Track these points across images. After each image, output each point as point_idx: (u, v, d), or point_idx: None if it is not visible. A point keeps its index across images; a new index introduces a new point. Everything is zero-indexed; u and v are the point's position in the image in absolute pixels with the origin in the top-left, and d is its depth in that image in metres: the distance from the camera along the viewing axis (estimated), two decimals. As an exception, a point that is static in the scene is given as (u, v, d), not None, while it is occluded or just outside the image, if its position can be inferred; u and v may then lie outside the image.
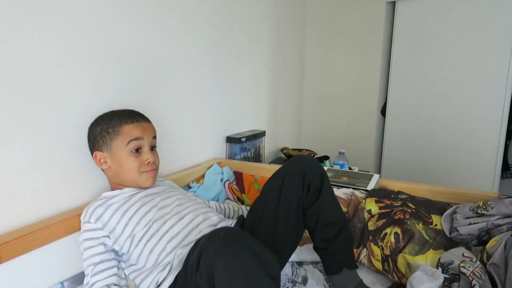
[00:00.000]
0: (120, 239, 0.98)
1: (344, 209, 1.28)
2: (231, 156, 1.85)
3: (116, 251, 1.01)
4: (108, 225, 0.99)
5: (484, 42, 2.15)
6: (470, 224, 1.07)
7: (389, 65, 2.57)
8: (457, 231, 1.08)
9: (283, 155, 2.39)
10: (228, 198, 1.50)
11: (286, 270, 1.13)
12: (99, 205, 1.01)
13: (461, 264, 0.95)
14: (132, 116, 1.07)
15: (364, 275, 1.10)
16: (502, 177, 2.34)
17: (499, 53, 2.10)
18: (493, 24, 2.11)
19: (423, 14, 2.36)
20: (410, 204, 1.22)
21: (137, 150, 1.06)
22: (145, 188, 1.10)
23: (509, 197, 1.12)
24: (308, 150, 2.40)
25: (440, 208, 1.21)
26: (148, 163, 1.07)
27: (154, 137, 1.12)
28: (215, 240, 0.74)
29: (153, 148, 1.11)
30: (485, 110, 2.17)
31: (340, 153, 1.93)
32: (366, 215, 1.24)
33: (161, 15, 1.37)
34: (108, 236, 0.99)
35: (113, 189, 1.10)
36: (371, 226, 1.19)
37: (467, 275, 0.91)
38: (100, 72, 1.15)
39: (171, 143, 1.50)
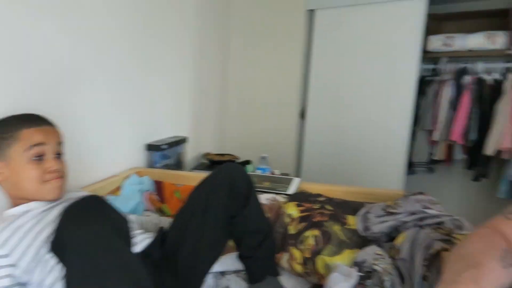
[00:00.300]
0: (29, 267, 0.86)
1: (268, 215, 1.29)
2: (151, 165, 1.77)
3: (24, 284, 0.88)
4: (15, 251, 0.86)
5: (393, 49, 2.32)
6: (381, 222, 1.14)
7: (309, 71, 2.67)
8: (370, 229, 1.15)
9: (205, 161, 2.36)
10: (148, 210, 1.43)
11: (209, 281, 1.11)
12: (4, 227, 0.89)
13: (374, 262, 1.00)
14: (32, 120, 0.96)
15: (285, 280, 1.12)
16: (407, 173, 2.55)
17: (406, 60, 2.28)
18: (401, 33, 2.29)
19: (339, 22, 2.49)
20: (328, 206, 1.27)
21: (39, 157, 0.94)
22: (58, 202, 0.98)
23: (413, 194, 1.22)
24: (230, 155, 2.40)
25: (354, 208, 1.27)
26: (51, 171, 0.95)
27: (60, 143, 1.00)
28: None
29: (58, 155, 0.99)
30: (394, 113, 2.35)
31: (262, 157, 1.95)
32: (287, 220, 1.26)
33: (72, 16, 1.27)
34: (14, 265, 0.86)
35: (15, 205, 0.97)
36: (292, 230, 1.22)
37: (379, 272, 0.96)
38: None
39: (84, 153, 1.39)
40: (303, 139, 2.72)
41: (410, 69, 2.28)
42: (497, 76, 2.40)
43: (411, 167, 2.65)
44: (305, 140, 2.69)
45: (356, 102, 2.48)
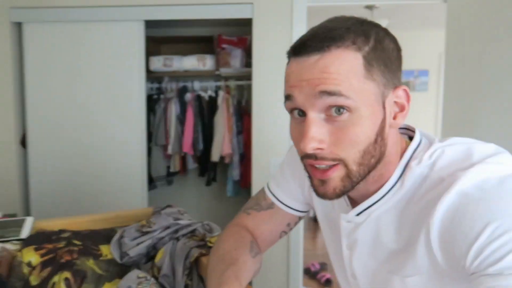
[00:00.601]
0: None
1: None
2: None
3: None
4: None
5: (119, 69, 2.30)
6: (138, 244, 1.10)
7: (24, 92, 2.31)
8: (128, 254, 1.09)
9: None
10: None
11: None
12: None
13: (138, 286, 0.96)
14: None
15: None
16: (149, 189, 2.60)
17: (133, 79, 2.31)
18: (125, 54, 2.29)
19: (54, 39, 2.26)
20: (75, 241, 1.13)
21: None
22: None
23: (163, 209, 1.25)
24: None
25: (106, 236, 1.18)
26: None
27: None
28: None
29: None
30: (128, 132, 2.33)
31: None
32: (25, 270, 1.04)
33: None
34: None
35: None
36: (34, 280, 1.02)
37: (146, 295, 0.93)
38: None
39: None
40: (27, 170, 2.33)
41: (138, 88, 2.32)
42: (211, 93, 2.79)
43: (152, 182, 2.72)
44: (30, 171, 2.31)
45: (86, 123, 2.32)
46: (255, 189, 2.27)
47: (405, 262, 0.60)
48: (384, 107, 0.58)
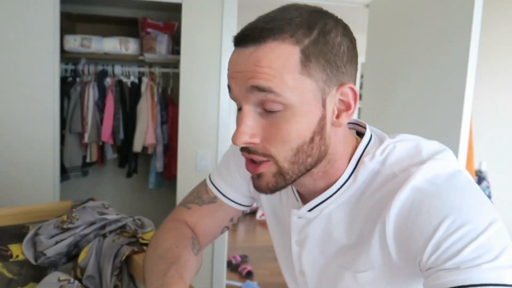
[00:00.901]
0: None
1: None
2: None
3: None
4: None
5: (28, 48, 2.04)
6: (57, 242, 0.98)
7: None
8: (44, 254, 0.97)
9: None
10: None
11: None
12: None
13: (60, 291, 0.86)
14: None
15: None
16: (61, 181, 2.37)
17: (45, 60, 2.06)
18: (35, 30, 2.04)
19: None
20: (-22, 241, 0.97)
21: None
22: None
23: (84, 203, 1.13)
24: None
25: (17, 233, 1.03)
26: None
27: None
28: None
29: None
30: (37, 119, 2.09)
31: None
32: None
33: None
34: None
35: None
36: None
37: (69, 300, 0.83)
38: None
39: None
40: None
41: (51, 69, 2.08)
42: (134, 79, 2.62)
43: (64, 173, 2.48)
44: None
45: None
46: (180, 181, 2.19)
47: (358, 257, 0.60)
48: (324, 105, 0.56)
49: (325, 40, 0.54)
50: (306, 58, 0.53)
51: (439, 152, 0.59)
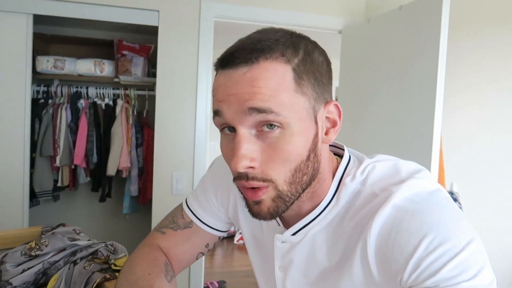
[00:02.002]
0: None
1: None
2: None
3: None
4: None
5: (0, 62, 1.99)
6: (24, 271, 0.94)
7: None
8: (10, 284, 0.92)
9: None
10: None
11: None
12: None
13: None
14: None
15: None
16: (30, 206, 2.29)
17: (17, 80, 2.02)
18: (7, 50, 2.00)
19: None
20: None
21: None
22: None
23: (54, 228, 1.09)
24: None
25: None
26: None
27: None
28: None
29: None
30: (7, 141, 2.02)
31: None
32: None
33: None
34: None
35: None
36: None
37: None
38: None
39: None
40: None
41: (23, 90, 2.04)
42: (108, 101, 2.58)
43: (34, 197, 2.39)
44: None
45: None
46: (155, 205, 2.15)
47: (341, 278, 0.60)
48: (316, 122, 0.57)
49: (311, 59, 0.56)
50: (299, 76, 0.53)
51: (417, 172, 0.60)
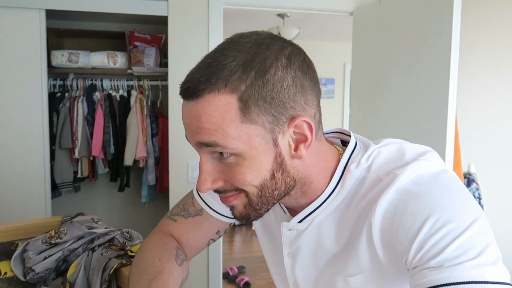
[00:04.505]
0: None
1: None
2: None
3: None
4: None
5: (18, 63, 2.04)
6: (45, 258, 0.98)
7: None
8: (33, 270, 0.96)
9: None
10: None
11: None
12: None
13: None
14: None
15: None
16: (52, 197, 2.36)
17: (34, 75, 2.06)
18: (23, 45, 2.04)
19: None
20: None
21: None
22: None
23: (73, 218, 1.13)
24: None
25: (5, 250, 1.03)
26: None
27: None
28: None
29: None
30: (27, 135, 2.08)
31: None
32: None
33: None
34: None
35: None
36: None
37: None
38: None
39: None
40: None
41: (39, 85, 2.09)
42: (123, 92, 2.62)
43: (56, 189, 2.46)
44: None
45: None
46: (172, 194, 2.19)
47: (348, 262, 0.61)
48: (276, 144, 0.55)
49: (264, 81, 0.52)
50: (245, 105, 0.52)
51: (422, 154, 0.60)
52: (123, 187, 2.63)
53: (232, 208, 0.61)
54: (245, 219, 0.61)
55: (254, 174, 0.55)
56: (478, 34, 2.32)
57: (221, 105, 0.52)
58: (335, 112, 5.32)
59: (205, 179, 0.57)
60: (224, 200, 0.60)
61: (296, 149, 0.57)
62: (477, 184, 2.28)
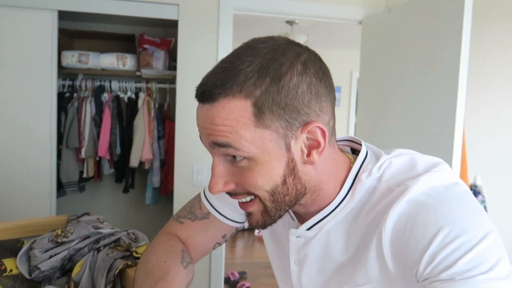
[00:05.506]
0: None
1: None
2: None
3: None
4: None
5: (29, 63, 2.06)
6: (51, 256, 0.98)
7: None
8: (38, 268, 0.97)
9: None
10: None
11: None
12: None
13: (52, 305, 0.85)
14: None
15: None
16: (57, 196, 2.37)
17: (44, 75, 2.08)
18: (34, 45, 2.06)
19: None
20: (-29, 256, 0.97)
21: None
22: None
23: (79, 217, 1.13)
24: None
25: (11, 248, 1.04)
26: None
27: None
28: None
29: None
30: (35, 133, 2.10)
31: None
32: None
33: None
34: None
35: None
36: None
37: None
38: None
39: None
40: None
41: (49, 84, 2.11)
42: (130, 94, 2.64)
43: (61, 188, 2.48)
44: None
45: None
46: (177, 196, 2.19)
47: (356, 271, 0.61)
48: (289, 150, 0.55)
49: (278, 87, 0.52)
50: (259, 110, 0.52)
51: (434, 165, 0.59)
52: (128, 188, 2.64)
53: (249, 215, 0.62)
54: (261, 226, 0.62)
55: (266, 179, 0.56)
56: (487, 46, 2.32)
57: (235, 110, 0.52)
58: (341, 120, 5.32)
59: (217, 181, 0.58)
60: (243, 206, 0.61)
61: (308, 154, 0.57)
62: (483, 196, 2.26)
